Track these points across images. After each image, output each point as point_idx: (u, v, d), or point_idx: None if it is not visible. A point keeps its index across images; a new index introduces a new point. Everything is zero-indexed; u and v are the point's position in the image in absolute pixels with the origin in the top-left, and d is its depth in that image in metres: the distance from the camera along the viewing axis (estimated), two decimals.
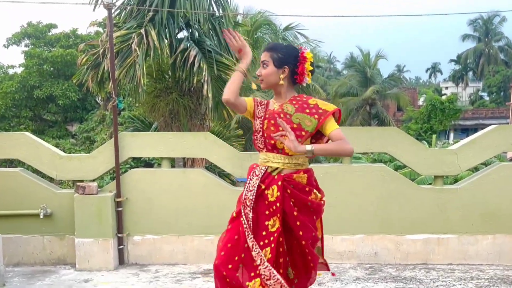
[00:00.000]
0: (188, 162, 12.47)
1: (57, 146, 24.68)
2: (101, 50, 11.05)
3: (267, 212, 3.57)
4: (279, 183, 3.57)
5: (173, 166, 8.05)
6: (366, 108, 42.25)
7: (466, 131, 52.50)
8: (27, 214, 7.11)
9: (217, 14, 12.75)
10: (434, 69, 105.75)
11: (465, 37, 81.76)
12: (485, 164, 11.42)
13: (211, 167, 12.42)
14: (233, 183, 12.65)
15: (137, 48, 10.58)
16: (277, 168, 3.65)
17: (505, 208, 6.87)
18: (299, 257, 3.66)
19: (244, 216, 3.63)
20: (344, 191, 6.96)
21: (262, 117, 3.74)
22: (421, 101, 64.20)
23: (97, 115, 29.29)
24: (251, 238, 3.59)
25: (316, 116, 3.61)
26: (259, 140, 3.73)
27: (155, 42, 10.92)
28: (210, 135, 7.20)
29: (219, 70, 11.78)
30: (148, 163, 22.14)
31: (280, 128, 3.54)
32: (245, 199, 3.65)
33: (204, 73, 11.35)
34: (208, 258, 6.93)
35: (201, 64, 11.40)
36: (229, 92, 3.65)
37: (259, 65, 3.79)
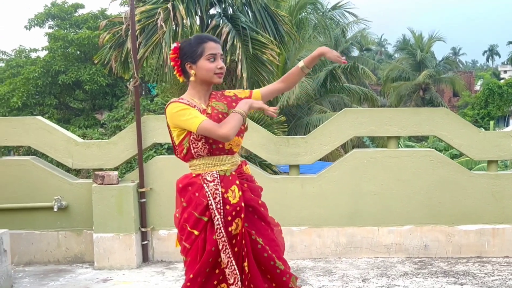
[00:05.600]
0: None
1: (84, 136, 24.00)
2: (124, 27, 10.70)
3: (229, 218, 3.44)
4: (237, 182, 3.53)
5: None
6: (419, 93, 41.69)
7: None
8: (40, 207, 6.59)
9: None
10: (492, 52, 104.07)
11: None
12: None
13: (251, 157, 12.17)
14: (275, 173, 12.37)
15: (163, 24, 10.00)
16: (227, 170, 3.56)
17: None
18: (275, 243, 3.69)
19: (219, 229, 3.48)
20: (390, 178, 6.60)
21: None
22: (478, 86, 62.99)
23: (128, 101, 28.76)
24: (228, 253, 3.48)
25: None
26: (202, 147, 3.50)
27: (183, 18, 10.59)
28: None
29: (254, 49, 11.15)
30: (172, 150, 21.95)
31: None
32: (211, 209, 3.44)
33: (238, 52, 10.77)
34: None
35: (235, 42, 10.82)
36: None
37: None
